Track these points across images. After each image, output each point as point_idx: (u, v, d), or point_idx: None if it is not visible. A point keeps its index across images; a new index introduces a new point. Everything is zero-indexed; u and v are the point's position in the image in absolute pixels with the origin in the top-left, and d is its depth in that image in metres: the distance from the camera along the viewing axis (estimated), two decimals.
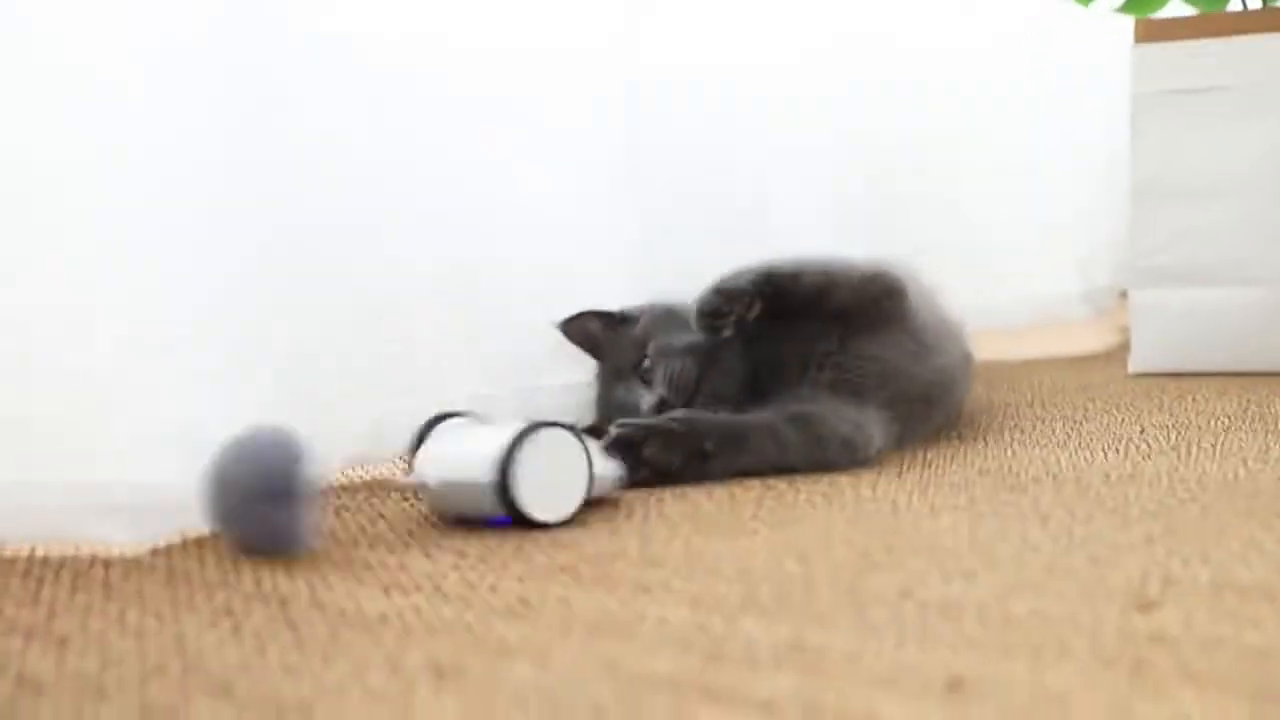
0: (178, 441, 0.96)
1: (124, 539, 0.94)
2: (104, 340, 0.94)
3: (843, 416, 1.16)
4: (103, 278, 0.95)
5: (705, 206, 1.67)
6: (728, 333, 1.15)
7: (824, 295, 1.19)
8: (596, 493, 1.01)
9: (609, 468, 1.04)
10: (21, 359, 0.93)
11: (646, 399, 1.20)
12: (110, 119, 0.96)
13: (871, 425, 1.17)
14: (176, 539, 0.97)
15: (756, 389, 1.18)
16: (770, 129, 1.83)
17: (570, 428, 1.00)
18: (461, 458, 0.98)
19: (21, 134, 0.94)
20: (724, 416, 1.13)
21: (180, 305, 0.99)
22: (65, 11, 0.95)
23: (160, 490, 0.94)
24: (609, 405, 1.25)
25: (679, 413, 1.13)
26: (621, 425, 1.10)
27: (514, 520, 0.96)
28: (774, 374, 1.18)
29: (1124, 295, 2.37)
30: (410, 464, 1.03)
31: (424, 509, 1.05)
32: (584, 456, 0.99)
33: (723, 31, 1.76)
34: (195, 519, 0.96)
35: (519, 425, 0.97)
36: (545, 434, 0.97)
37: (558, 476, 0.98)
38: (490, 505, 0.96)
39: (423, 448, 1.03)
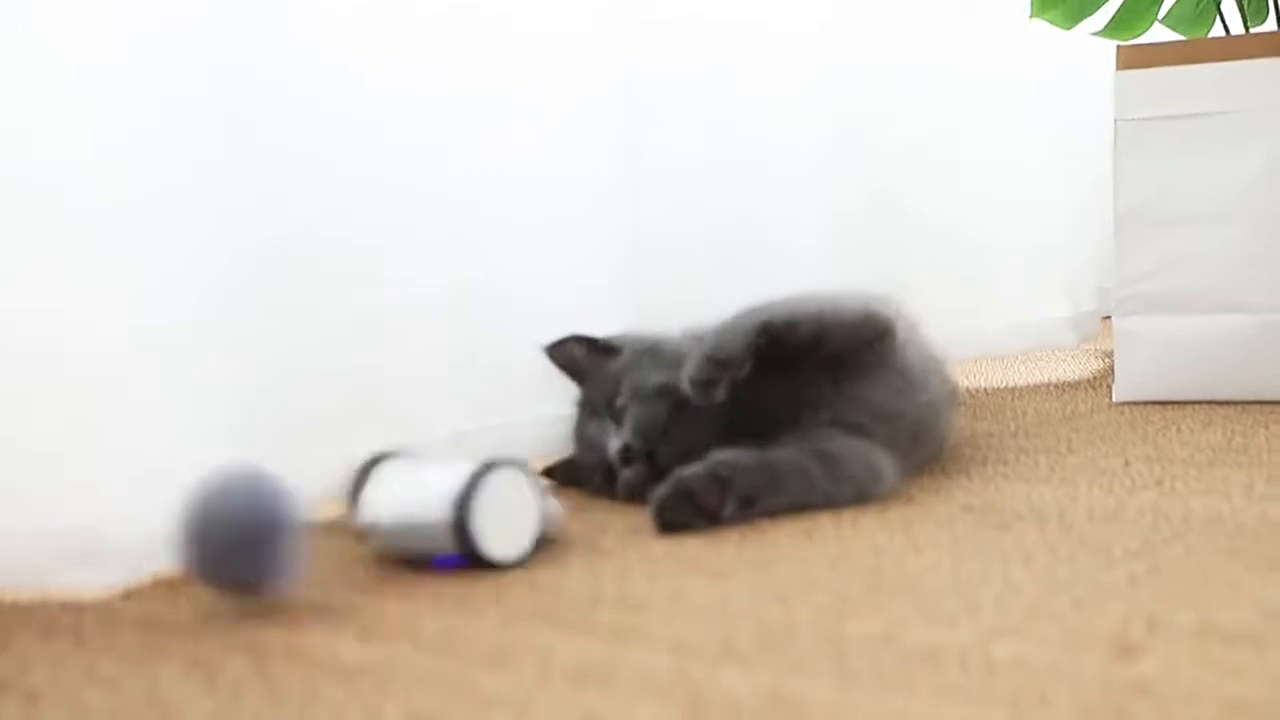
0: (147, 481, 0.95)
1: (94, 584, 0.93)
2: (70, 378, 0.93)
3: (858, 452, 1.16)
4: (69, 308, 0.93)
5: (701, 224, 1.67)
6: (720, 397, 1.14)
7: (818, 343, 1.18)
8: (542, 530, 1.01)
9: (552, 505, 1.03)
10: None
11: (613, 442, 1.19)
12: (95, 126, 0.95)
13: (883, 460, 1.17)
14: (147, 581, 0.96)
15: (745, 431, 1.16)
16: (765, 152, 1.82)
17: (521, 466, 0.99)
18: (415, 497, 0.97)
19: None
20: (754, 456, 1.12)
21: (149, 340, 0.97)
22: (57, 11, 0.93)
23: (131, 531, 0.94)
24: (582, 440, 1.24)
25: (725, 455, 1.11)
26: (683, 477, 1.08)
27: (469, 561, 0.95)
28: (764, 418, 1.17)
29: (1108, 320, 2.38)
30: (351, 506, 1.02)
31: (369, 551, 1.02)
32: (535, 495, 0.99)
33: (719, 51, 1.76)
34: (165, 560, 0.96)
35: (472, 464, 0.97)
36: (500, 473, 0.97)
37: (511, 515, 0.97)
38: (446, 544, 0.95)
39: (367, 488, 1.01)
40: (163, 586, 0.95)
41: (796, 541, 1.01)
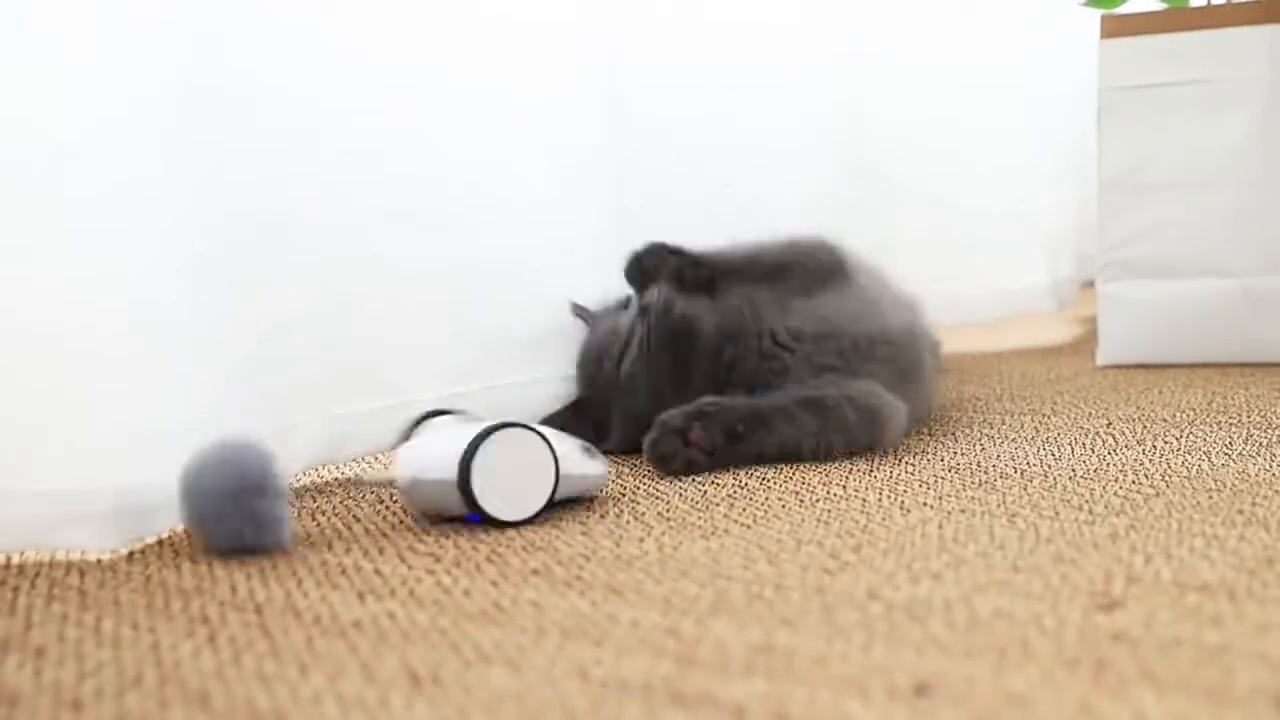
0: (147, 444, 0.96)
1: (98, 545, 0.94)
2: (69, 345, 0.94)
3: (856, 396, 1.18)
4: (67, 281, 0.94)
5: (684, 199, 1.68)
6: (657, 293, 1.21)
7: (755, 260, 1.23)
8: (570, 492, 1.02)
9: (589, 466, 1.05)
10: None
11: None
12: (91, 107, 0.96)
13: (887, 404, 1.19)
14: (151, 542, 0.97)
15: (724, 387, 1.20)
16: (746, 125, 1.83)
17: (532, 428, 1.01)
18: (432, 456, 1.00)
19: None
20: (741, 399, 1.17)
21: (143, 307, 0.98)
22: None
23: (132, 494, 0.95)
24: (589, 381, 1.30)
25: (709, 399, 1.16)
26: (667, 416, 1.15)
27: (480, 518, 0.97)
28: (734, 366, 1.21)
29: (1086, 287, 2.40)
30: (390, 460, 1.05)
31: (401, 506, 1.06)
32: (547, 457, 1.00)
33: (701, 31, 1.77)
34: (167, 522, 0.98)
35: (484, 425, 0.99)
36: (507, 434, 0.99)
37: (519, 476, 0.99)
38: (456, 503, 0.97)
39: (404, 445, 1.05)
40: (165, 548, 0.97)
41: (786, 502, 1.03)
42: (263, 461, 0.93)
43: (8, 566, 0.93)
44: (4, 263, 0.93)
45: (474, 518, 0.98)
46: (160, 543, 0.98)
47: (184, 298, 1.02)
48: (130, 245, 0.97)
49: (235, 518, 0.91)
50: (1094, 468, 1.09)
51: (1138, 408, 1.36)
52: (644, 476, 1.14)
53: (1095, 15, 1.73)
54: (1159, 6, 1.72)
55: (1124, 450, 1.15)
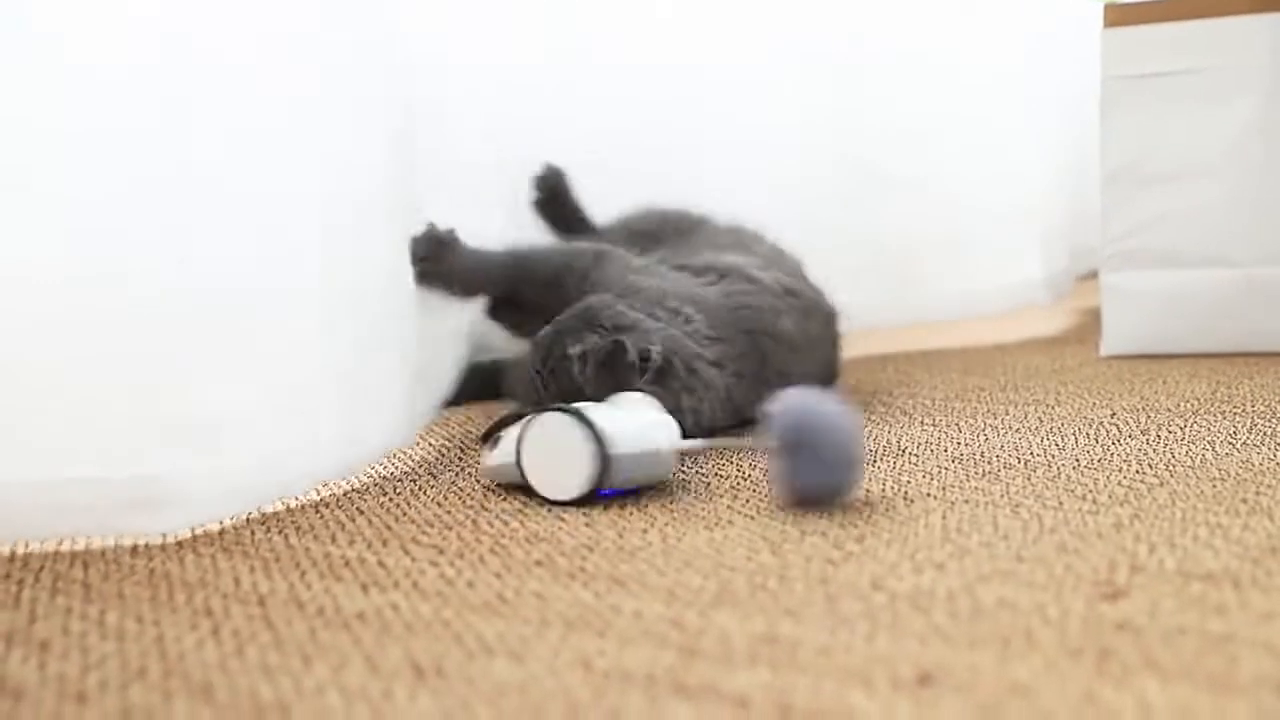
0: (162, 435, 0.96)
1: (101, 538, 0.94)
2: (69, 343, 0.94)
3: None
4: (49, 258, 0.94)
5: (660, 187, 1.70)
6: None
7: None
8: (631, 475, 1.03)
9: (658, 441, 1.04)
10: None
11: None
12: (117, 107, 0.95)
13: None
14: (155, 535, 0.97)
15: None
16: (748, 117, 1.84)
17: (575, 412, 1.02)
18: (511, 435, 1.07)
19: None
20: None
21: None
22: None
23: (143, 486, 0.95)
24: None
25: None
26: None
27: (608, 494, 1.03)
28: None
29: (1082, 279, 2.40)
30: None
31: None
32: (587, 441, 1.01)
33: (692, 15, 1.78)
34: (175, 516, 0.98)
35: (542, 410, 1.05)
36: (548, 417, 1.03)
37: (561, 459, 1.02)
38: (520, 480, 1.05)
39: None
40: (169, 543, 0.96)
41: None
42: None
43: (13, 557, 0.93)
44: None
45: (608, 492, 1.03)
46: (163, 536, 0.98)
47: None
48: (201, 240, 0.97)
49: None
50: (1098, 457, 1.09)
51: (1141, 398, 1.36)
52: None
53: (1092, 6, 1.73)
54: None
55: (1128, 440, 1.15)
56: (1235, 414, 1.24)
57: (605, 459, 1.00)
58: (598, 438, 1.01)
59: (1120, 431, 1.19)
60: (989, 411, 1.33)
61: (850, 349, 1.47)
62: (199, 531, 0.98)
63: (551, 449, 1.02)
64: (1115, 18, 1.67)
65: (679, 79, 1.78)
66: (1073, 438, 1.17)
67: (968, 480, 1.04)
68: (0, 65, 0.92)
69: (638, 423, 1.05)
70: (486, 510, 1.01)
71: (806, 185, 1.92)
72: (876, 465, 1.11)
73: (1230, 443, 1.12)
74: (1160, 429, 1.19)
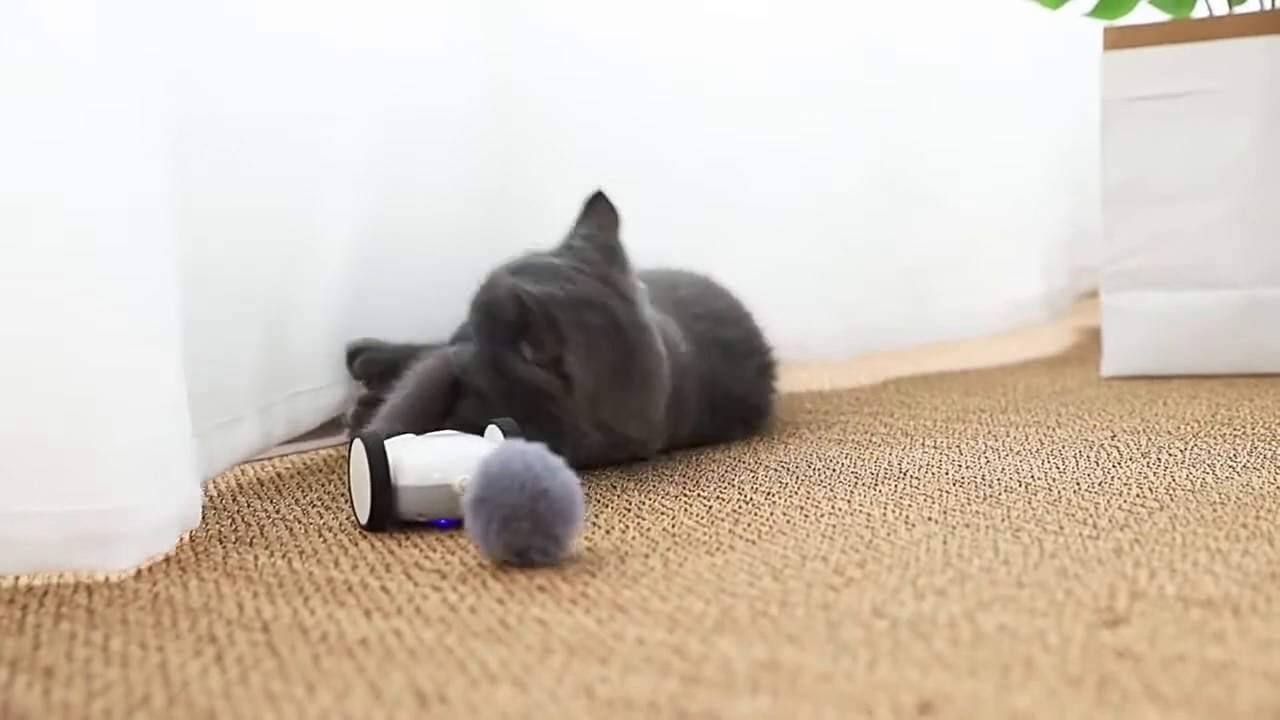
0: (156, 464, 0.97)
1: (106, 567, 0.94)
2: (77, 366, 0.94)
3: None
4: (69, 297, 0.94)
5: (697, 207, 1.72)
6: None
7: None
8: (416, 508, 1.04)
9: (453, 476, 1.01)
10: None
11: None
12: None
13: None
14: (159, 562, 0.98)
15: None
16: (753, 135, 1.85)
17: (366, 438, 1.05)
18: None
19: None
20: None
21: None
22: None
23: (140, 514, 0.95)
24: None
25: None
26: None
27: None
28: None
29: (1081, 297, 2.41)
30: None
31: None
32: (365, 470, 1.04)
33: (713, 34, 1.79)
34: (171, 542, 0.98)
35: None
36: (355, 445, 1.07)
37: (361, 486, 1.06)
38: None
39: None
40: (173, 568, 0.97)
41: (791, 517, 1.03)
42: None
43: (15, 586, 0.93)
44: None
45: (444, 523, 1.04)
46: (167, 560, 0.98)
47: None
48: (135, 275, 0.97)
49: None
50: (1098, 481, 1.09)
51: (1142, 420, 1.36)
52: (649, 492, 1.14)
53: (1091, 26, 1.74)
54: (1161, 18, 1.73)
55: (1128, 463, 1.16)
56: (1235, 436, 1.25)
57: (390, 489, 1.03)
58: (385, 467, 1.03)
59: (1121, 454, 1.19)
60: (990, 433, 1.33)
61: (858, 371, 1.48)
62: (202, 554, 0.98)
63: (357, 474, 1.06)
64: (1115, 41, 1.68)
65: (700, 111, 1.81)
66: (1073, 460, 1.18)
67: (969, 504, 1.04)
68: None
69: (441, 456, 1.04)
70: None
71: (829, 204, 1.93)
72: (878, 488, 1.11)
73: (1230, 466, 1.12)
74: (1161, 451, 1.19)
